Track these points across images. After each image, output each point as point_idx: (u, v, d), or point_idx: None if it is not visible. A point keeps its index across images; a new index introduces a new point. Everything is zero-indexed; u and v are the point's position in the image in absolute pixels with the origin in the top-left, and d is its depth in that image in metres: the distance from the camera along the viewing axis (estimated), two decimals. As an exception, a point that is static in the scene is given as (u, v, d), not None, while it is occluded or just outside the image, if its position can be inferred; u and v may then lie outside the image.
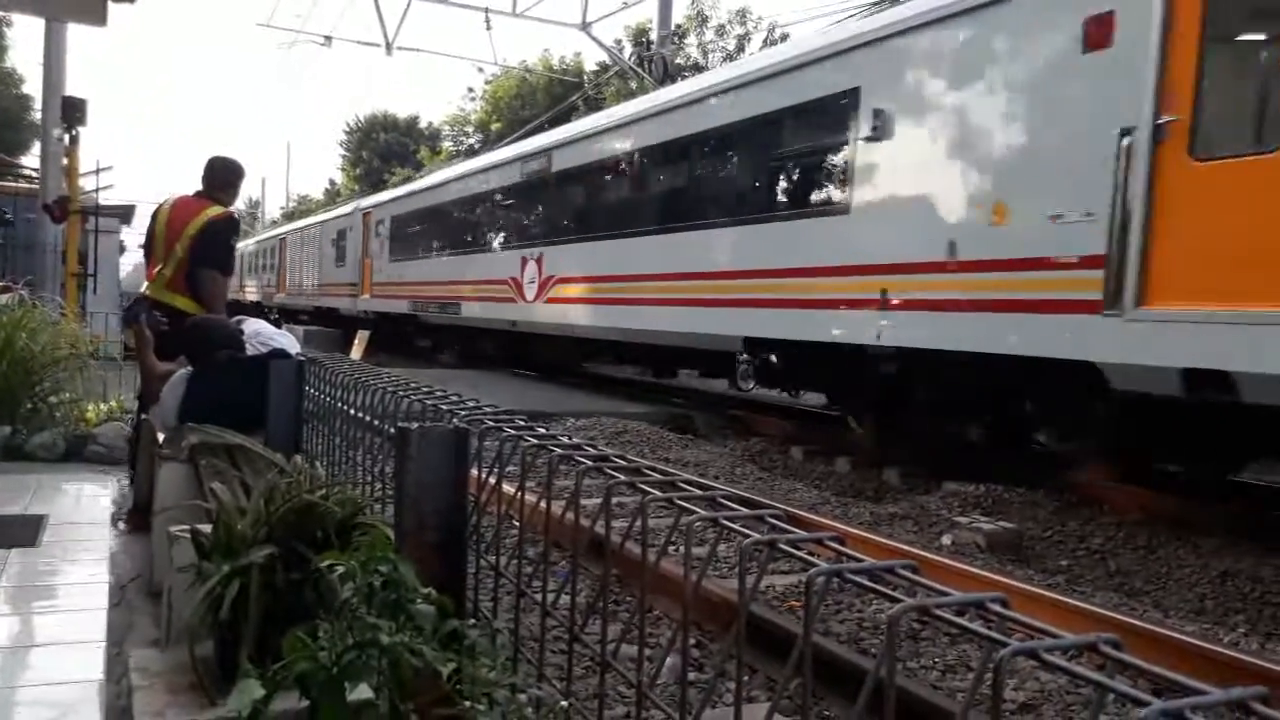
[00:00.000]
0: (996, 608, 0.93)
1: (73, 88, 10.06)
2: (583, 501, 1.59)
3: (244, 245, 33.39)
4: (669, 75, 17.20)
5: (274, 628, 1.82)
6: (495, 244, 14.63)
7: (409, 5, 18.63)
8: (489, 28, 19.16)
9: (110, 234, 14.91)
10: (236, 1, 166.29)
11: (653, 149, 10.74)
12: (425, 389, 2.53)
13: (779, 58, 8.97)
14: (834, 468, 7.86)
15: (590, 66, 33.90)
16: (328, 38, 20.97)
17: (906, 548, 4.68)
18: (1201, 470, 6.50)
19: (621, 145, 11.39)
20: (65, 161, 10.33)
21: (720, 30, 30.32)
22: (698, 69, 25.98)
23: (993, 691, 0.82)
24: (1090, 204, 5.59)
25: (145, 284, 5.23)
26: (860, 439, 8.27)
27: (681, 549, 1.39)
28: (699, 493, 1.44)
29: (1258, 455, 6.33)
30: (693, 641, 3.41)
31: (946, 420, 7.55)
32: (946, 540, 5.40)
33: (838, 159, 7.79)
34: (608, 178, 11.84)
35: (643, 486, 1.46)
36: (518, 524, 1.96)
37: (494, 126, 35.86)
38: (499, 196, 14.69)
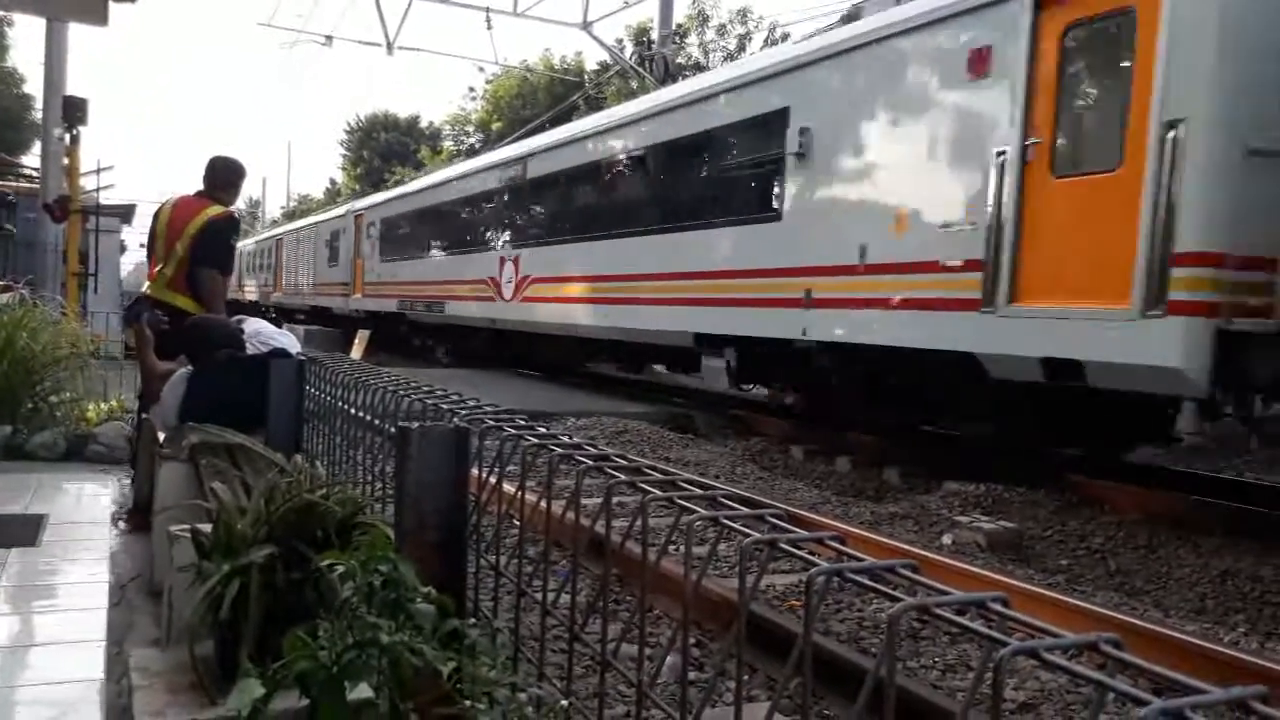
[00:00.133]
0: (997, 607, 0.93)
1: (74, 87, 10.06)
2: (583, 501, 1.59)
3: (242, 245, 33.55)
4: (670, 75, 17.19)
5: (274, 627, 1.82)
6: (477, 246, 15.29)
7: (410, 5, 18.63)
8: (490, 27, 19.17)
9: (111, 233, 14.94)
10: (237, 1, 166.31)
11: (615, 159, 11.51)
12: (425, 388, 2.53)
13: (725, 77, 9.85)
14: (834, 467, 7.86)
15: (591, 66, 33.83)
16: (329, 37, 20.98)
17: (907, 547, 4.68)
18: (1094, 451, 7.28)
19: (589, 154, 12.09)
20: (66, 161, 10.32)
21: (721, 30, 30.28)
22: (699, 68, 25.96)
23: (993, 691, 0.82)
24: (973, 215, 6.42)
25: (146, 283, 5.23)
26: (855, 439, 8.35)
27: (682, 548, 1.39)
28: (699, 492, 1.44)
29: (1148, 439, 7.18)
30: (693, 641, 3.41)
31: (874, 410, 8.31)
32: (947, 540, 5.40)
33: (772, 171, 8.58)
34: (577, 185, 12.51)
35: (643, 486, 1.46)
36: (518, 523, 1.96)
37: (495, 126, 35.83)
38: (481, 201, 15.37)
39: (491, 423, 2.00)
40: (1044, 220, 5.97)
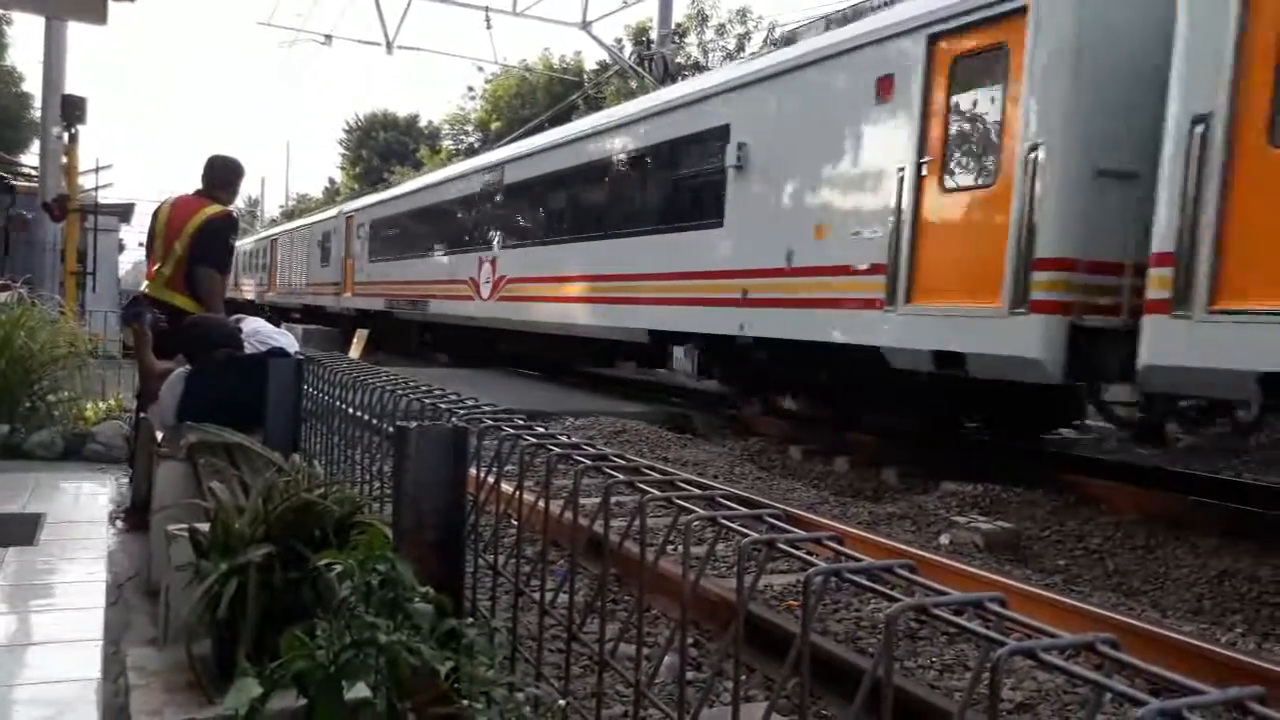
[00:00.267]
0: (994, 607, 0.93)
1: (72, 86, 10.07)
2: (581, 501, 1.59)
3: (239, 245, 33.73)
4: (669, 74, 17.21)
5: (272, 626, 1.82)
6: (458, 247, 16.01)
7: (409, 4, 18.62)
8: (489, 27, 19.20)
9: (109, 232, 14.90)
10: (237, 1, 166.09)
11: (580, 167, 12.25)
12: (424, 388, 2.52)
13: (679, 93, 10.67)
14: (832, 467, 7.86)
15: (590, 65, 33.83)
16: (328, 37, 20.96)
17: (904, 547, 4.68)
18: (1010, 434, 8.11)
19: (561, 162, 12.95)
20: (64, 160, 10.32)
21: (720, 29, 30.28)
22: (698, 68, 25.97)
23: (990, 691, 0.82)
24: (879, 224, 7.21)
25: (144, 282, 5.23)
26: (854, 439, 8.40)
27: (680, 548, 1.39)
28: (697, 492, 1.43)
29: (1066, 421, 8.20)
30: (691, 641, 3.41)
31: (810, 400, 9.16)
32: (944, 540, 5.41)
33: (715, 181, 9.39)
34: (550, 190, 13.21)
35: (641, 486, 1.46)
36: (516, 523, 1.96)
37: (494, 125, 35.82)
38: (463, 204, 16.07)
39: (490, 422, 1.99)
40: (935, 229, 6.80)
